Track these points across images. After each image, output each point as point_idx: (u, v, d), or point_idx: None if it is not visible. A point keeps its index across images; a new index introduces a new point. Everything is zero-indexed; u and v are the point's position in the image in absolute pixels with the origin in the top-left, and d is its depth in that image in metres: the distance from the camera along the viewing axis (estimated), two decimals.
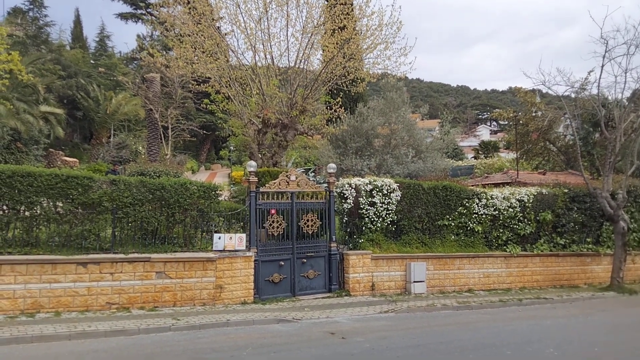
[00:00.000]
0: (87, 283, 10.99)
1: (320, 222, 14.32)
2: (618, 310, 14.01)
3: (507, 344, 9.21)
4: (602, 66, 17.14)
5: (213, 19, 19.35)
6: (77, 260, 10.95)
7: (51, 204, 11.27)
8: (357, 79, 20.62)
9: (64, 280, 10.79)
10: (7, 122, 25.81)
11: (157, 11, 20.95)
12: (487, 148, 52.90)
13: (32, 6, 48.19)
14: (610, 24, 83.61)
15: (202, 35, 18.58)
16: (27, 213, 11.13)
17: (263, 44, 19.12)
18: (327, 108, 21.86)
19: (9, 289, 10.33)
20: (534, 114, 26.26)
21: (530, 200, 17.11)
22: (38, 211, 11.14)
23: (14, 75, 24.70)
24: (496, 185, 21.39)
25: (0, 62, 23.07)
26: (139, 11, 48.63)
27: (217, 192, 13.41)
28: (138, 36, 53.45)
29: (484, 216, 16.51)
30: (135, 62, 49.49)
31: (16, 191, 10.77)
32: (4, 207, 10.91)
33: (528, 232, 17.08)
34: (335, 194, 14.78)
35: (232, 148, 43.62)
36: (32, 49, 39.05)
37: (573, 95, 20.82)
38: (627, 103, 18.40)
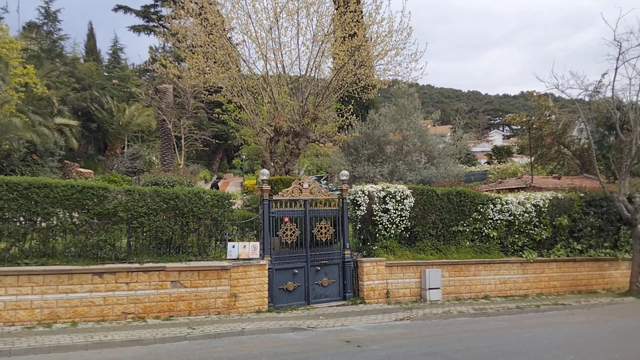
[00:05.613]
0: (103, 293, 11.07)
1: (334, 230, 14.28)
2: (638, 316, 13.77)
3: (526, 352, 9.08)
4: (616, 69, 17.02)
5: (224, 30, 19.54)
6: (93, 270, 11.04)
7: (67, 214, 11.38)
8: (368, 85, 20.63)
9: (80, 290, 10.87)
10: (23, 135, 26.19)
11: (169, 23, 21.22)
12: (500, 153, 52.54)
13: (46, 20, 49.05)
14: (623, 25, 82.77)
15: (213, 45, 18.77)
16: (43, 224, 11.23)
17: (274, 53, 19.26)
18: (338, 115, 21.90)
19: (26, 299, 10.42)
20: (547, 118, 25.97)
21: (546, 205, 16.93)
22: (54, 222, 11.24)
23: (29, 88, 25.18)
24: (510, 190, 21.19)
25: (15, 76, 23.52)
26: (152, 24, 49.30)
27: (230, 200, 13.44)
28: (150, 48, 54.15)
29: (499, 222, 16.36)
30: (148, 73, 50.07)
31: (33, 202, 10.89)
32: (21, 219, 11.02)
33: (544, 237, 16.88)
34: (348, 201, 14.74)
35: (244, 157, 43.79)
36: (47, 62, 39.65)
37: (587, 99, 20.60)
38: None
